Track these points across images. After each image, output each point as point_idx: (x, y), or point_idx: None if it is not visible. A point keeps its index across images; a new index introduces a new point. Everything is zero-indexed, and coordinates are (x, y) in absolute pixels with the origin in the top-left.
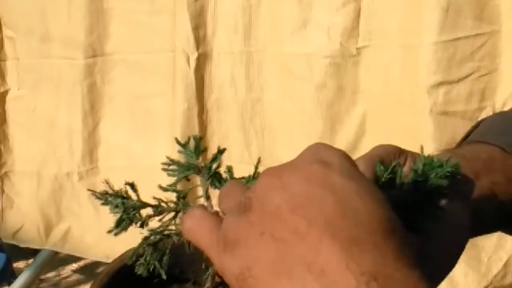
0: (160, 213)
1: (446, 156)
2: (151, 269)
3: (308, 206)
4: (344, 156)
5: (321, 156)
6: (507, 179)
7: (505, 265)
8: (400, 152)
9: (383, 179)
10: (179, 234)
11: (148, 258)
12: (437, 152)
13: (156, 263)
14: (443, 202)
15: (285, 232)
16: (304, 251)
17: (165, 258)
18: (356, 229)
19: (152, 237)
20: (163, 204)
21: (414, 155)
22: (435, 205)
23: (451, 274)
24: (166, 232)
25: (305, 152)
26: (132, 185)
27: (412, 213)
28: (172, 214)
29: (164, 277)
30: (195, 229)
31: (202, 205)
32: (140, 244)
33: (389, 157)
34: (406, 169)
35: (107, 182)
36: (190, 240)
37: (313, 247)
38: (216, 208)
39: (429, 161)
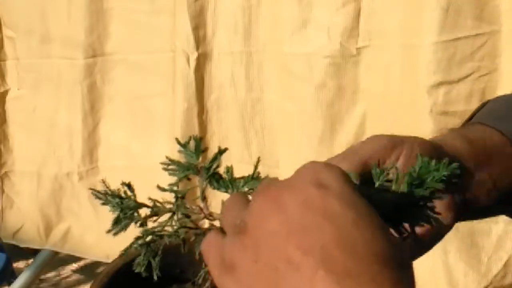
0: (156, 214)
1: (451, 137)
2: (143, 269)
3: (304, 234)
4: (343, 178)
5: (320, 178)
6: (503, 168)
7: (505, 265)
8: (393, 146)
9: (379, 182)
10: (172, 235)
11: (142, 258)
12: (443, 131)
13: (152, 261)
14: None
15: (278, 261)
16: (298, 283)
17: (157, 259)
18: (352, 261)
19: (144, 237)
20: (159, 204)
21: (411, 144)
22: (429, 208)
23: (451, 274)
24: (159, 233)
25: (303, 171)
26: (129, 186)
27: (406, 216)
28: (169, 214)
29: (155, 278)
30: (206, 252)
31: (216, 230)
32: (132, 244)
33: (380, 155)
34: (401, 161)
35: (104, 182)
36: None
37: (307, 279)
38: (211, 209)
39: (425, 164)
